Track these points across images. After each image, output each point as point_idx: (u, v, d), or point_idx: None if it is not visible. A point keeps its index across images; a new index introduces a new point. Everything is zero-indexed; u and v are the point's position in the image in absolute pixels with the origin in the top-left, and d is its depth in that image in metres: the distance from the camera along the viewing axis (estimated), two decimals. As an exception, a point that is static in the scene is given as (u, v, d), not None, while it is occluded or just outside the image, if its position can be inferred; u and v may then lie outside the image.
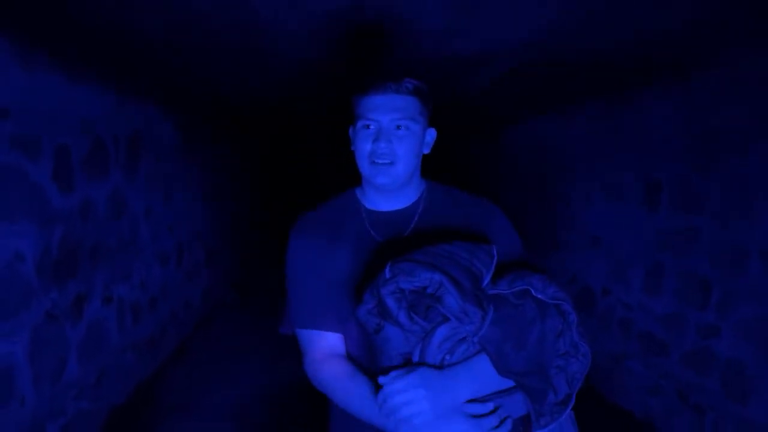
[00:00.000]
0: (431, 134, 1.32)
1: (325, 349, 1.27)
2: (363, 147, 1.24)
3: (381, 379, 1.03)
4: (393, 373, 1.02)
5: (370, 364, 1.20)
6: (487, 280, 1.07)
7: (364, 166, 1.26)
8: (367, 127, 1.23)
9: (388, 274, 1.02)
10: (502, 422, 1.04)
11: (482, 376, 1.03)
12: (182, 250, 4.56)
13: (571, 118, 4.22)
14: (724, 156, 2.69)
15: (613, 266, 3.70)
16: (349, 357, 1.28)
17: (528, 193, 5.32)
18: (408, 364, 1.05)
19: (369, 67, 2.95)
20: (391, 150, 1.21)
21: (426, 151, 1.32)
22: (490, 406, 1.04)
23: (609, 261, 3.77)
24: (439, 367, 1.03)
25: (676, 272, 3.05)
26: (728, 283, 2.68)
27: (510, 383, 1.04)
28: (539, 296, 1.04)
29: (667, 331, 3.12)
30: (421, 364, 1.03)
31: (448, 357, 1.03)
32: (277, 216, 8.81)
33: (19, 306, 2.28)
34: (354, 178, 1.42)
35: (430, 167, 1.32)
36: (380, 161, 1.22)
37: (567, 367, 1.06)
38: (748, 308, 2.55)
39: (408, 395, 0.99)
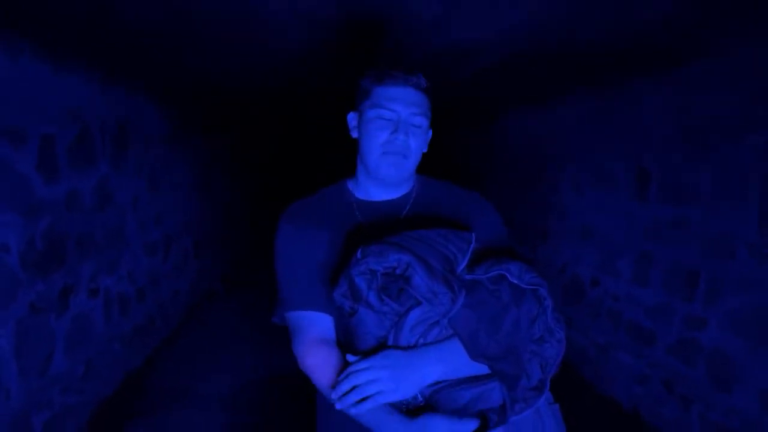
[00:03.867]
0: (429, 134, 1.33)
1: (315, 332, 1.26)
2: (377, 136, 1.23)
3: (349, 357, 1.05)
4: (361, 356, 1.04)
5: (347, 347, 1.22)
6: (462, 265, 1.07)
7: (372, 155, 1.25)
8: (384, 117, 1.22)
9: (359, 255, 1.03)
10: (484, 424, 1.05)
11: (452, 357, 1.03)
12: (170, 240, 4.52)
13: (562, 107, 4.22)
14: (715, 146, 2.69)
15: (603, 256, 3.72)
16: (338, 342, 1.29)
17: (519, 182, 5.32)
18: (382, 346, 1.06)
19: (393, 59, 2.92)
20: (407, 144, 1.23)
21: (424, 150, 1.33)
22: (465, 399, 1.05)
23: (598, 251, 3.78)
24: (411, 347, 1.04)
25: (665, 262, 3.07)
26: (716, 274, 2.70)
27: (483, 369, 1.04)
28: (515, 282, 1.04)
29: (655, 321, 3.15)
30: (393, 347, 1.04)
31: (421, 340, 1.04)
32: (268, 207, 8.78)
33: (4, 298, 2.26)
34: (346, 170, 1.41)
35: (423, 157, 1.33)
36: (395, 151, 1.23)
37: (541, 353, 1.06)
38: (735, 298, 2.58)
39: (371, 373, 1.00)
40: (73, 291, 2.85)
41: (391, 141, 1.22)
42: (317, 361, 1.21)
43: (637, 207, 3.32)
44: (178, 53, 2.97)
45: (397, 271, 1.01)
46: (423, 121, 1.24)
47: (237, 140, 6.91)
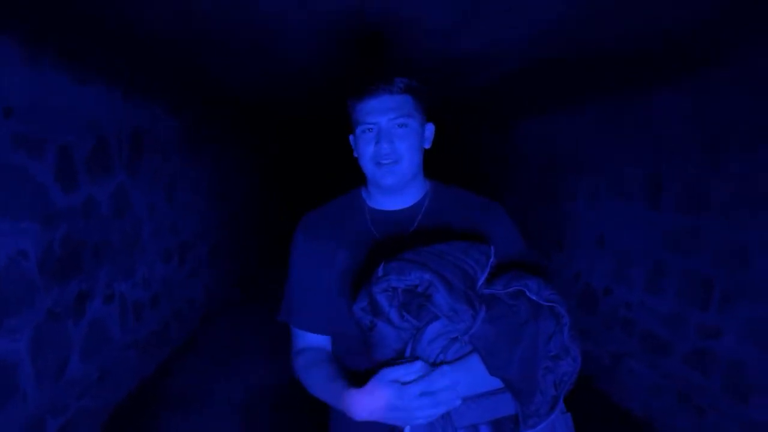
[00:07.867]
0: (430, 129, 1.34)
1: (310, 346, 1.35)
2: (366, 150, 1.27)
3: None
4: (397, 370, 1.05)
5: (354, 363, 1.25)
6: (481, 279, 1.07)
7: (369, 169, 1.29)
8: (369, 131, 1.25)
9: (380, 273, 1.03)
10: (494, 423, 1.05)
11: (469, 376, 1.04)
12: (185, 248, 4.57)
13: (578, 115, 4.20)
14: (731, 154, 2.67)
15: (616, 265, 3.70)
16: (338, 358, 1.33)
17: (535, 190, 5.31)
18: (400, 358, 1.06)
19: (371, 68, 2.95)
20: (394, 149, 1.24)
21: (427, 146, 1.34)
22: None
23: (612, 259, 3.76)
24: (433, 365, 1.04)
25: (679, 271, 3.05)
26: (730, 283, 2.67)
27: (498, 383, 1.05)
28: (533, 298, 1.04)
29: (669, 330, 3.11)
30: (415, 358, 1.05)
31: (442, 356, 1.04)
32: (281, 214, 8.82)
33: (22, 303, 2.30)
34: (360, 179, 1.43)
35: (437, 163, 1.33)
36: (385, 161, 1.25)
37: (556, 369, 1.06)
38: (750, 308, 2.55)
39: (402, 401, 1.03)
40: (90, 297, 2.90)
41: (378, 151, 1.25)
42: (302, 363, 1.33)
43: (652, 215, 3.30)
44: (195, 65, 3.01)
45: (419, 289, 1.01)
46: (407, 122, 1.24)
47: (252, 148, 6.97)
